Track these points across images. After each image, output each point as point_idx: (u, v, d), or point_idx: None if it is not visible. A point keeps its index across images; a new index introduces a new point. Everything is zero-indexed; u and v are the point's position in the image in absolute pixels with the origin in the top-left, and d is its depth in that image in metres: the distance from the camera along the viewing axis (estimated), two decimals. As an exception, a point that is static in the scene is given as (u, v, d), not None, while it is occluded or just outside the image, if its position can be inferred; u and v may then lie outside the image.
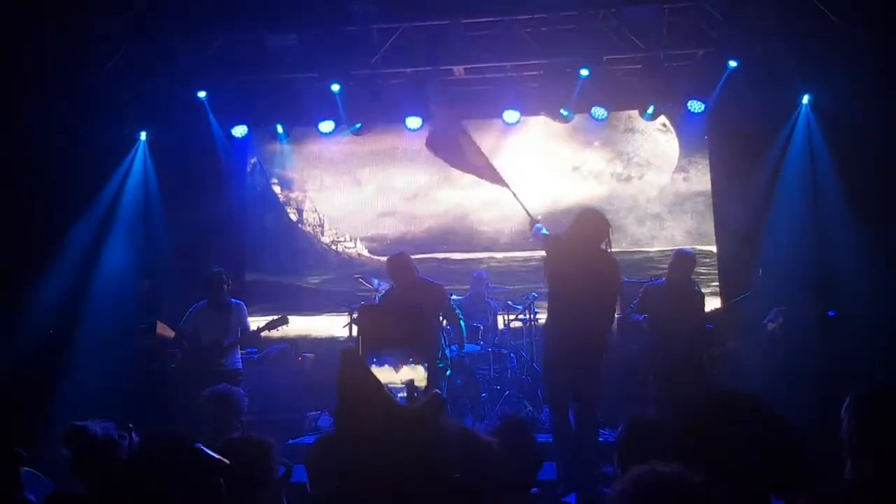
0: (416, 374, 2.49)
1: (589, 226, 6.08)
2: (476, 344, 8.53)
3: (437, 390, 2.44)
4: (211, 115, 9.52)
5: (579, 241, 6.03)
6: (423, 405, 2.34)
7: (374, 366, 2.46)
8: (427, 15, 8.81)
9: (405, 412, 2.34)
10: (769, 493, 2.23)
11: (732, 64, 8.80)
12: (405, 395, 2.52)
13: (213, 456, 2.32)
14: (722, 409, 2.27)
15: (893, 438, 2.63)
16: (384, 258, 7.70)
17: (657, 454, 2.76)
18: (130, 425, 3.60)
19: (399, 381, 2.50)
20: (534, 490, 3.41)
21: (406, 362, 2.51)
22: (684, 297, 7.10)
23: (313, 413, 8.51)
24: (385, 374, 2.49)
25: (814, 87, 8.93)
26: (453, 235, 10.75)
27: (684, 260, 7.19)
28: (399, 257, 7.31)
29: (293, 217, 11.12)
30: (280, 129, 10.12)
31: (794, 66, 8.68)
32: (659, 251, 9.90)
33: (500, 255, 10.55)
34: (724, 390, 2.34)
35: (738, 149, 9.50)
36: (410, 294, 6.98)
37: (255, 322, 7.92)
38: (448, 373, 7.16)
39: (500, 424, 3.28)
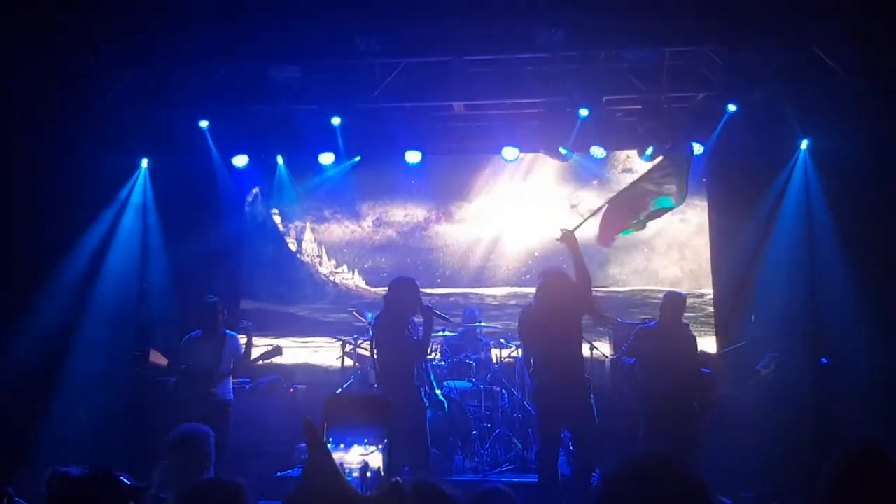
0: (372, 457, 2.50)
1: (556, 288, 6.36)
2: (467, 380, 8.52)
3: (398, 478, 2.43)
4: (212, 145, 9.56)
5: (548, 304, 6.34)
6: (383, 494, 2.38)
7: (332, 447, 2.48)
8: (429, 51, 8.84)
9: (364, 501, 2.37)
10: None
11: (731, 108, 8.84)
12: (358, 475, 2.54)
13: (128, 483, 2.40)
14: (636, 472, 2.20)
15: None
16: (381, 290, 7.68)
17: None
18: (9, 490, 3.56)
19: (355, 463, 2.51)
20: None
21: (363, 444, 2.52)
22: (676, 341, 7.08)
23: (303, 445, 8.45)
24: (341, 455, 2.51)
25: (812, 133, 8.97)
26: (449, 270, 10.77)
27: (675, 302, 7.17)
28: (398, 286, 6.99)
29: (293, 247, 11.16)
30: (280, 160, 10.18)
31: (793, 112, 8.71)
32: (654, 291, 9.89)
33: (494, 292, 10.56)
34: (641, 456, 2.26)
35: (735, 192, 9.53)
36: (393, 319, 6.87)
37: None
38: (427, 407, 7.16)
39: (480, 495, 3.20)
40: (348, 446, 2.52)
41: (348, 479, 2.45)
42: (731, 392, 7.82)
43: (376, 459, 2.50)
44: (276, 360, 8.06)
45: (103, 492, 2.70)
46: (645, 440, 6.89)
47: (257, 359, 7.85)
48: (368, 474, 2.50)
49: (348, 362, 9.09)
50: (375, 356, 6.90)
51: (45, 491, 3.64)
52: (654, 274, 10.33)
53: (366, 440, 2.55)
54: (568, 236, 6.60)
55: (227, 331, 7.77)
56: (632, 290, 10.29)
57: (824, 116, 8.49)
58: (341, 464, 2.46)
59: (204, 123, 9.30)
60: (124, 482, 2.77)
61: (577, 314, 6.49)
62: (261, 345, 8.86)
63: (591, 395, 6.48)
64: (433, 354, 8.76)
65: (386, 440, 2.50)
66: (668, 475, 2.17)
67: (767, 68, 8.42)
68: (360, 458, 2.52)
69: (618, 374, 7.75)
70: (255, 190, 11.07)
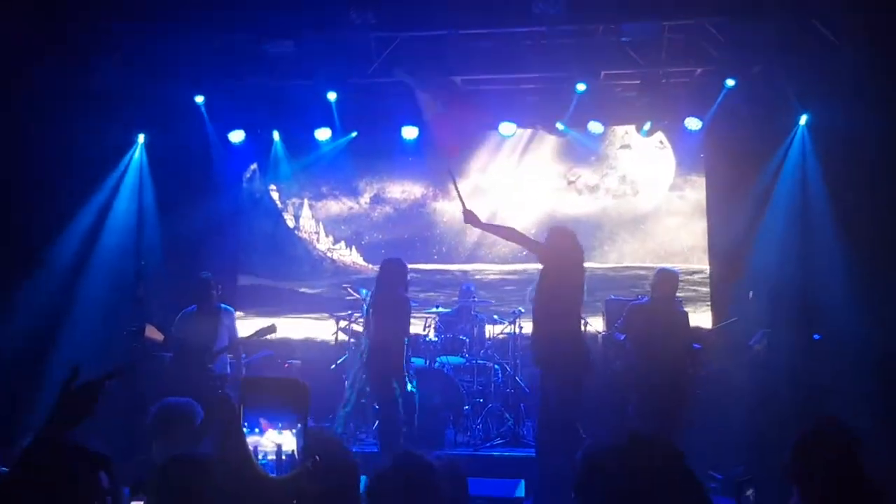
0: (286, 438, 2.51)
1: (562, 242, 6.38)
2: (461, 356, 8.54)
3: (316, 457, 2.45)
4: (207, 120, 9.54)
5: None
6: (292, 475, 2.42)
7: (247, 430, 2.50)
8: (425, 25, 8.78)
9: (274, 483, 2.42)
10: None
11: (730, 83, 8.75)
12: (273, 459, 2.55)
13: (94, 451, 2.40)
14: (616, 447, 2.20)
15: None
16: (378, 266, 7.71)
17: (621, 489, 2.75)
18: None
19: (270, 445, 2.52)
20: None
21: (276, 428, 2.52)
22: (668, 317, 7.05)
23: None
24: (256, 438, 2.52)
25: (811, 107, 8.87)
26: (446, 247, 10.76)
27: (667, 279, 7.13)
28: (392, 264, 7.30)
29: (290, 223, 11.16)
30: (277, 135, 10.16)
31: (791, 86, 8.62)
32: (650, 267, 9.86)
33: (490, 268, 10.55)
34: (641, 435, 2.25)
35: (733, 168, 9.45)
36: (383, 309, 7.13)
37: (244, 326, 7.99)
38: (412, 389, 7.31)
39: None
40: (263, 430, 2.52)
41: (263, 462, 2.49)
42: (723, 368, 7.81)
43: (290, 443, 2.50)
44: (271, 336, 8.07)
45: (72, 460, 2.68)
46: (635, 415, 6.88)
47: (252, 336, 7.87)
48: (283, 458, 2.50)
49: (342, 337, 9.12)
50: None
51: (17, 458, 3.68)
52: (649, 251, 10.29)
53: (280, 424, 2.54)
54: (469, 217, 6.51)
55: (223, 305, 7.80)
56: (626, 267, 10.26)
57: (824, 91, 8.39)
58: (256, 447, 2.49)
59: (199, 99, 9.29)
60: (92, 451, 2.75)
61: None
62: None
63: None
64: (427, 331, 8.78)
65: (300, 424, 2.49)
66: (649, 450, 2.17)
67: (767, 42, 8.31)
68: (275, 441, 2.52)
69: (610, 349, 7.73)
70: (253, 166, 11.06)
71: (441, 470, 3.12)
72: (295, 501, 2.39)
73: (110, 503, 2.80)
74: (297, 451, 2.46)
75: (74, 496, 2.27)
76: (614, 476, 2.15)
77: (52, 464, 2.38)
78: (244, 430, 2.51)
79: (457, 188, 6.74)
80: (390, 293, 7.09)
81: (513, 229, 6.78)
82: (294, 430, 2.50)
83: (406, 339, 7.24)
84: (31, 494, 2.16)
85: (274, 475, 2.48)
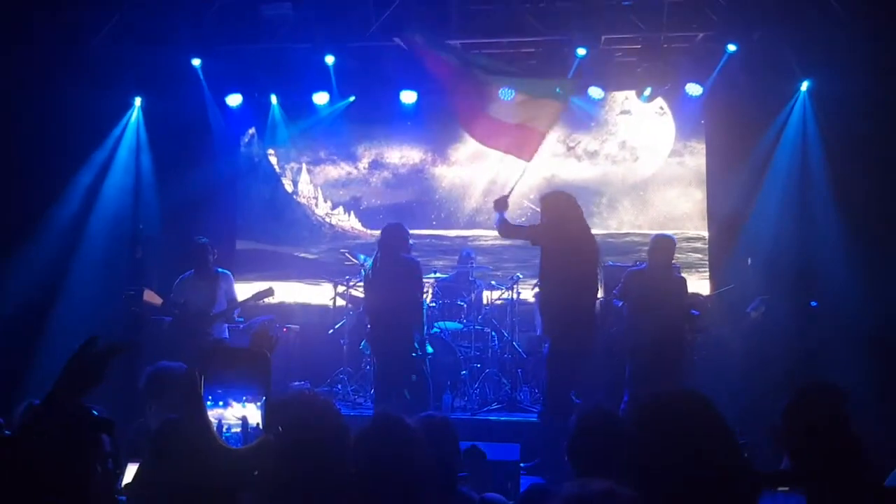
0: (249, 411, 2.54)
1: (560, 205, 6.54)
2: (458, 322, 8.58)
3: (279, 428, 2.49)
4: (204, 84, 9.47)
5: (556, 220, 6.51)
6: (254, 446, 2.45)
7: (211, 403, 2.53)
8: (425, -15, 8.72)
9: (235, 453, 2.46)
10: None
11: (731, 48, 8.68)
12: (239, 430, 2.59)
13: (98, 415, 2.42)
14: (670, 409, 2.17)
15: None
16: (377, 231, 7.70)
17: (610, 452, 2.78)
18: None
19: (234, 418, 2.54)
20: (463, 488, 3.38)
21: (240, 400, 2.55)
22: (665, 283, 7.07)
23: (297, 384, 8.57)
24: (219, 411, 2.55)
25: (813, 74, 8.80)
26: (444, 212, 10.75)
27: (664, 245, 7.13)
28: (393, 228, 7.21)
29: (289, 188, 11.14)
30: (275, 99, 10.10)
31: (793, 52, 8.55)
32: (649, 233, 9.86)
33: (489, 234, 10.54)
34: (676, 391, 2.24)
35: (733, 134, 9.42)
36: (386, 272, 7.00)
37: (242, 291, 8.01)
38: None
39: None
40: (227, 402, 2.55)
41: (228, 434, 2.52)
42: (720, 334, 7.86)
43: (255, 415, 2.52)
44: (269, 300, 8.09)
45: (76, 423, 2.67)
46: (631, 381, 6.93)
47: (249, 299, 7.89)
48: (249, 430, 2.53)
49: (340, 303, 9.15)
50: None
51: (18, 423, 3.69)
52: (648, 217, 10.28)
53: (245, 397, 2.57)
54: (502, 202, 6.77)
55: (220, 269, 7.82)
56: (625, 234, 10.26)
57: (825, 58, 8.33)
58: (220, 419, 2.52)
59: (196, 62, 9.20)
60: (94, 414, 2.75)
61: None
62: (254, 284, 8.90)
63: None
64: (425, 296, 8.80)
65: (264, 397, 2.52)
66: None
67: (768, 8, 8.24)
68: (239, 413, 2.55)
69: (609, 315, 7.76)
70: (251, 131, 11.01)
71: (431, 428, 3.17)
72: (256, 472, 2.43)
73: (111, 466, 2.83)
74: (262, 424, 2.48)
75: (78, 458, 2.28)
76: (603, 438, 2.18)
77: (57, 426, 2.39)
78: (206, 402, 2.54)
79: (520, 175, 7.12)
80: (395, 257, 7.01)
81: (519, 229, 7.13)
82: (258, 403, 2.52)
83: (424, 301, 7.32)
84: (35, 456, 2.18)
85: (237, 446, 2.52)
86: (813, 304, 7.63)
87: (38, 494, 2.10)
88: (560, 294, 6.55)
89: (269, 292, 7.97)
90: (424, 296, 8.65)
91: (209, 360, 2.56)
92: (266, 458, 2.42)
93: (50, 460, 2.18)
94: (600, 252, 6.66)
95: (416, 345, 6.96)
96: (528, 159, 7.17)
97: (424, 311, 7.41)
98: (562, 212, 6.60)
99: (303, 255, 10.95)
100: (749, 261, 8.62)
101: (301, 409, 2.68)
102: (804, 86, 8.93)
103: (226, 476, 2.43)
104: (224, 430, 2.51)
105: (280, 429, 2.46)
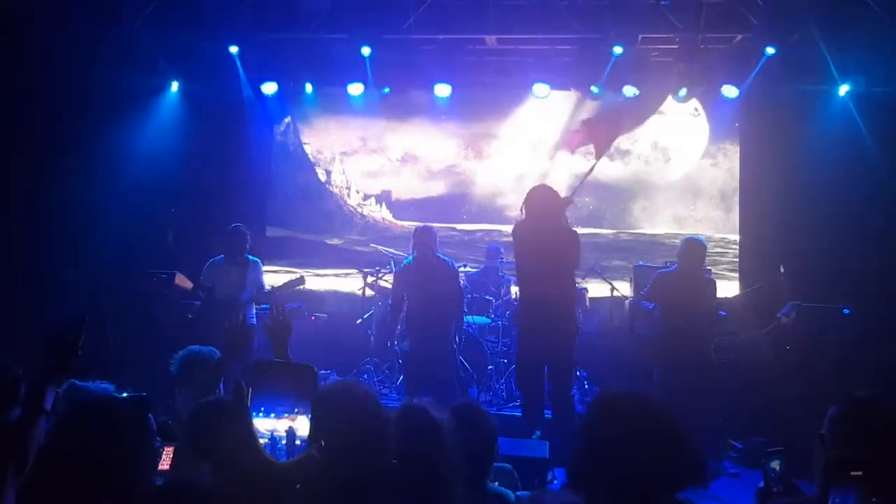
0: (299, 423, 2.56)
1: (540, 200, 6.43)
2: (486, 317, 8.58)
3: (322, 441, 2.51)
4: (241, 71, 9.54)
5: (535, 216, 6.41)
6: (299, 460, 2.47)
7: (259, 415, 2.55)
8: (462, -19, 8.71)
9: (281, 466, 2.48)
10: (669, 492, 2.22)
11: (770, 51, 8.60)
12: (286, 443, 2.62)
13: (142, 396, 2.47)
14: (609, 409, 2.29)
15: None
16: (407, 223, 7.80)
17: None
18: None
19: (282, 430, 2.57)
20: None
21: (291, 412, 2.58)
22: (695, 285, 7.03)
23: (323, 372, 8.61)
24: (267, 423, 2.58)
25: (852, 78, 8.68)
26: (475, 207, 10.76)
27: (694, 247, 7.07)
28: (424, 231, 7.41)
29: (322, 178, 11.20)
30: (310, 88, 10.14)
31: (832, 56, 8.45)
32: (679, 235, 9.81)
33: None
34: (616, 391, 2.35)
35: (769, 138, 9.33)
36: (427, 272, 7.27)
37: (271, 278, 8.06)
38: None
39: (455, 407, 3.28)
40: (278, 414, 2.58)
41: (277, 446, 2.55)
42: (749, 338, 7.80)
43: (304, 428, 2.55)
44: (299, 288, 8.15)
45: (129, 405, 2.69)
46: (660, 383, 6.90)
47: (280, 287, 7.94)
48: (297, 442, 2.56)
49: (370, 293, 9.20)
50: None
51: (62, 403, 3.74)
52: (679, 218, 10.23)
53: (297, 409, 2.60)
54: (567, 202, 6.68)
55: (250, 256, 7.87)
56: (657, 234, 10.22)
57: (865, 61, 8.25)
58: (273, 431, 2.56)
59: (234, 49, 9.27)
60: (141, 395, 2.77)
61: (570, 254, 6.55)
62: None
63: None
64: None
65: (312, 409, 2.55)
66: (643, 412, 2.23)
67: (807, 10, 8.15)
68: (287, 426, 2.57)
69: (638, 316, 7.73)
70: (287, 119, 11.08)
71: (461, 413, 3.19)
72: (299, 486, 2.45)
73: (159, 444, 2.88)
74: (309, 437, 2.51)
75: (136, 438, 2.33)
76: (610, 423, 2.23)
77: (113, 409, 2.43)
78: (252, 413, 2.56)
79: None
80: (433, 257, 7.31)
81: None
82: (307, 416, 2.53)
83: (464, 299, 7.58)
84: (94, 436, 2.22)
85: (283, 460, 2.54)
86: (846, 311, 7.54)
87: (94, 469, 2.15)
88: (522, 289, 6.70)
89: (301, 281, 8.03)
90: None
91: (257, 373, 2.59)
92: (309, 473, 2.43)
93: (109, 440, 2.23)
94: (577, 246, 6.52)
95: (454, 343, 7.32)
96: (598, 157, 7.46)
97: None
98: (538, 207, 6.47)
99: (334, 243, 11.00)
100: (781, 269, 8.55)
101: (344, 397, 2.70)
102: (843, 89, 8.79)
103: (266, 487, 2.45)
104: (274, 443, 2.56)
105: (322, 443, 2.47)
